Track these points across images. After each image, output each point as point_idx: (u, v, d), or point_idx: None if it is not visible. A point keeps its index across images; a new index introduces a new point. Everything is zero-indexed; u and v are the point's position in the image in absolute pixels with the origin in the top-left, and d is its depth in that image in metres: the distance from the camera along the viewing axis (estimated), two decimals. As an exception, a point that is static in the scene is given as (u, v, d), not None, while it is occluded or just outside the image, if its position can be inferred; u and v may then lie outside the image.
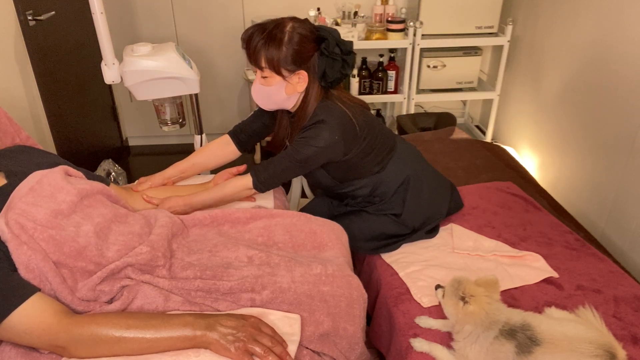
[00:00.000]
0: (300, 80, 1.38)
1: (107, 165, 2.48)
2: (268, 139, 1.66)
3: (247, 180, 1.46)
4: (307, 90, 1.41)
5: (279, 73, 1.36)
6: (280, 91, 1.40)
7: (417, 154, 1.65)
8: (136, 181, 1.64)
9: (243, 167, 1.65)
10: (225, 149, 1.66)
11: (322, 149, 1.38)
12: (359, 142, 1.45)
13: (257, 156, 3.18)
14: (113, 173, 2.48)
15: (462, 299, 1.11)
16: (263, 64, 1.35)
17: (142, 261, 1.12)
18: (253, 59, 1.36)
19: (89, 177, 1.34)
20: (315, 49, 1.36)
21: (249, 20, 3.01)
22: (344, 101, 1.44)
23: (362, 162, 1.49)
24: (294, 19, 1.36)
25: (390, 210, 1.57)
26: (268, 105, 1.47)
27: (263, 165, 1.45)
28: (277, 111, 1.54)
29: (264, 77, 1.38)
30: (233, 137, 1.65)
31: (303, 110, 1.43)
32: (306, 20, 1.39)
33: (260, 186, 1.46)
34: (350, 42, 1.40)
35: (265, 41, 1.32)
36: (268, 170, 1.44)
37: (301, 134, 1.41)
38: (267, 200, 1.63)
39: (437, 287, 1.23)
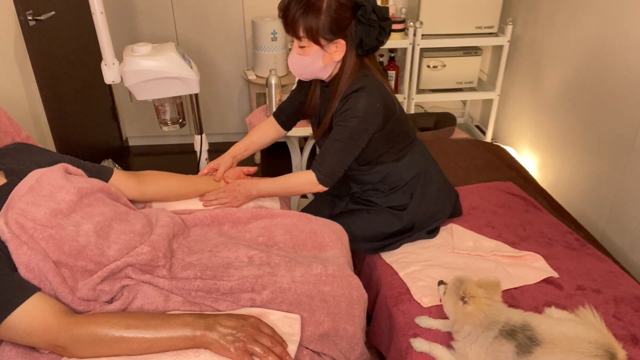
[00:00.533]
0: (337, 49, 1.37)
1: (107, 165, 2.48)
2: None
3: (311, 175, 1.45)
4: (343, 59, 1.40)
5: (317, 42, 1.34)
6: (317, 60, 1.39)
7: (429, 153, 1.66)
8: (205, 168, 1.69)
9: (254, 169, 1.68)
10: (275, 127, 1.73)
11: (365, 116, 1.37)
12: (393, 118, 1.44)
13: (257, 155, 3.19)
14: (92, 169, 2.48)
15: (462, 298, 1.12)
16: (301, 33, 1.34)
17: (143, 261, 1.12)
18: (291, 28, 1.35)
19: (92, 169, 1.34)
20: (353, 16, 1.34)
21: (249, 20, 3.01)
22: (381, 74, 1.44)
23: (390, 143, 1.49)
24: None
25: (397, 201, 1.57)
26: (304, 75, 1.47)
27: (319, 158, 1.44)
28: (312, 82, 1.54)
29: (302, 47, 1.37)
30: (276, 118, 1.72)
31: (337, 80, 1.42)
32: None
33: (326, 179, 1.44)
34: (387, 8, 1.39)
35: (303, 10, 1.31)
36: (325, 161, 1.43)
37: (342, 108, 1.39)
38: (273, 200, 1.63)
39: (440, 282, 1.23)
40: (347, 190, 1.68)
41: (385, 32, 1.38)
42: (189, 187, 1.55)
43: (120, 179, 1.40)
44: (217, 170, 1.65)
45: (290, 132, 1.76)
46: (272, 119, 1.73)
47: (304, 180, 1.47)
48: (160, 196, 1.50)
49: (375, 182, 1.57)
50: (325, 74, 1.45)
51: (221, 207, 1.50)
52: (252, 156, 3.19)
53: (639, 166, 1.91)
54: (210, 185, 1.58)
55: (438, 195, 1.62)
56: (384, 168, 1.54)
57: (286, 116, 1.70)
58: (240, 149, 1.71)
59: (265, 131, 1.74)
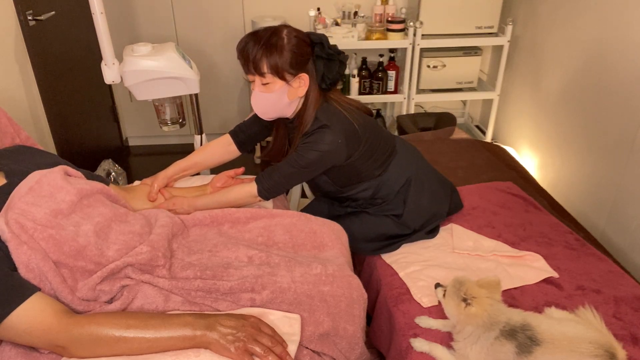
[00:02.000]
0: (301, 84, 1.38)
1: (107, 165, 2.48)
2: (269, 138, 1.66)
3: (252, 187, 1.46)
4: (307, 94, 1.41)
5: (282, 78, 1.35)
6: (283, 97, 1.39)
7: (418, 154, 1.65)
8: (138, 182, 1.64)
9: (241, 170, 1.65)
10: (225, 148, 1.67)
11: (325, 153, 1.38)
12: (361, 145, 1.45)
13: (257, 154, 3.19)
14: (113, 173, 2.47)
15: (464, 300, 1.11)
16: (265, 70, 1.34)
17: (142, 261, 1.12)
18: (253, 66, 1.35)
19: (89, 178, 1.34)
20: (311, 52, 1.37)
21: (249, 20, 3.01)
22: (343, 105, 1.45)
23: (364, 166, 1.50)
24: (286, 25, 1.38)
25: (392, 211, 1.57)
26: (268, 113, 1.46)
27: (267, 173, 1.45)
28: (274, 120, 1.53)
29: (265, 84, 1.37)
30: (233, 137, 1.66)
31: (303, 115, 1.43)
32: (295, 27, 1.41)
33: (265, 193, 1.46)
34: (335, 46, 1.42)
35: (265, 48, 1.32)
36: (273, 178, 1.44)
37: (304, 140, 1.41)
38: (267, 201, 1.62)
39: (437, 285, 1.23)
40: (342, 204, 1.68)
41: (344, 65, 1.41)
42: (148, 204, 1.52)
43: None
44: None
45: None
46: (226, 137, 1.66)
47: (243, 194, 1.48)
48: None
49: (368, 197, 1.58)
50: (290, 111, 1.45)
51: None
52: (253, 155, 3.20)
53: (639, 166, 1.91)
54: (144, 203, 1.52)
55: (432, 196, 1.61)
56: (370, 184, 1.55)
57: (246, 136, 1.65)
58: (179, 169, 1.63)
59: (213, 151, 1.66)
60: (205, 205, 1.49)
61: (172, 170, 1.62)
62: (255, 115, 1.63)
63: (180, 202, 1.49)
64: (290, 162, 1.42)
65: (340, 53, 1.41)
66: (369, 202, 1.60)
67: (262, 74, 1.36)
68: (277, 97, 1.39)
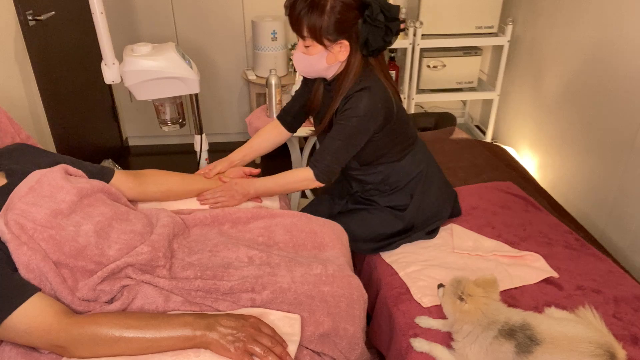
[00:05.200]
0: (342, 50, 1.36)
1: (107, 165, 2.48)
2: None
3: (308, 172, 1.45)
4: (348, 59, 1.39)
5: (320, 42, 1.34)
6: (322, 60, 1.38)
7: (430, 153, 1.66)
8: (203, 169, 1.68)
9: (257, 171, 1.68)
10: (276, 130, 1.71)
11: (364, 117, 1.36)
12: (392, 120, 1.44)
13: (258, 160, 3.19)
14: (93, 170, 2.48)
15: (460, 297, 1.12)
16: (305, 33, 1.34)
17: (143, 261, 1.12)
18: (295, 27, 1.35)
19: (93, 169, 1.34)
20: (359, 16, 1.33)
21: (249, 20, 3.02)
22: (385, 74, 1.44)
23: (391, 143, 1.49)
24: None
25: (397, 201, 1.57)
26: (309, 73, 1.47)
27: (318, 155, 1.44)
28: (316, 79, 1.54)
29: (307, 46, 1.37)
30: (281, 120, 1.70)
31: (341, 79, 1.41)
32: None
33: (323, 176, 1.44)
34: (397, 7, 1.38)
35: (307, 9, 1.30)
36: (324, 158, 1.42)
37: (343, 106, 1.39)
38: (273, 200, 1.63)
39: (440, 286, 1.23)
40: (348, 189, 1.69)
41: (392, 33, 1.37)
42: (187, 186, 1.55)
43: (121, 179, 1.40)
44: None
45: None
46: (275, 122, 1.71)
47: (301, 176, 1.47)
48: (159, 196, 1.50)
49: (377, 182, 1.57)
50: (329, 73, 1.44)
51: (219, 206, 1.50)
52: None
53: (639, 166, 1.91)
54: (208, 183, 1.58)
55: (438, 196, 1.62)
56: (384, 168, 1.54)
57: (292, 117, 1.68)
58: (239, 155, 1.70)
59: (266, 136, 1.72)
60: (264, 185, 1.52)
61: (233, 156, 1.69)
62: (295, 95, 1.66)
63: (240, 182, 1.52)
64: (334, 136, 1.40)
65: (394, 19, 1.36)
66: (376, 188, 1.59)
67: (302, 37, 1.36)
68: (316, 60, 1.38)
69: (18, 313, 0.93)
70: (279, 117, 1.70)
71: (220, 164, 1.65)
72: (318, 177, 1.45)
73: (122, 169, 2.53)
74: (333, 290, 1.18)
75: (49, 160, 1.27)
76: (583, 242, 1.60)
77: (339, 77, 1.42)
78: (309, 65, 1.42)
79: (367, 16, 1.32)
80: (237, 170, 1.65)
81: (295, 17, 1.33)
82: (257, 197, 1.60)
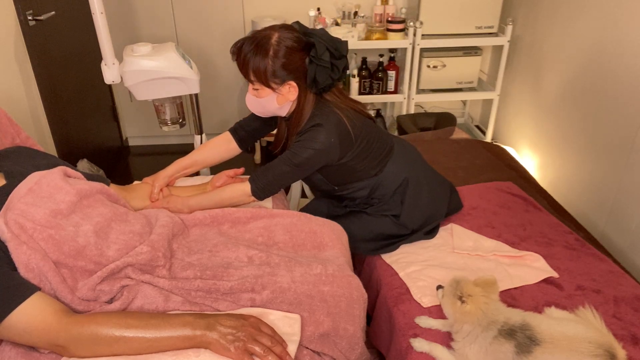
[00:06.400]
0: (291, 90, 1.38)
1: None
2: (269, 138, 1.66)
3: (246, 186, 1.45)
4: (299, 97, 1.40)
5: (268, 86, 1.36)
6: (272, 102, 1.40)
7: (416, 155, 1.65)
8: (138, 182, 1.63)
9: (241, 170, 1.65)
10: (226, 145, 1.66)
11: (318, 151, 1.38)
12: (354, 147, 1.45)
13: (257, 156, 3.18)
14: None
15: (460, 298, 1.12)
16: (252, 77, 1.35)
17: (143, 261, 1.12)
18: (243, 71, 1.36)
19: (89, 179, 1.34)
20: (304, 56, 1.35)
21: (249, 20, 3.01)
22: (339, 105, 1.44)
23: (359, 165, 1.49)
24: (281, 28, 1.34)
25: (389, 211, 1.57)
26: (263, 114, 1.49)
27: (261, 172, 1.44)
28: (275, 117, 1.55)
29: (255, 89, 1.39)
30: (233, 134, 1.66)
31: (298, 116, 1.43)
32: (293, 28, 1.37)
33: (260, 193, 1.45)
34: (343, 43, 1.38)
35: (252, 54, 1.32)
36: (267, 177, 1.43)
37: (298, 138, 1.41)
38: (265, 200, 1.62)
39: (439, 287, 1.23)
40: (340, 203, 1.68)
41: (339, 70, 1.37)
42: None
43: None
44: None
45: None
46: (226, 135, 1.66)
47: (237, 193, 1.46)
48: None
49: (364, 196, 1.58)
50: (283, 112, 1.46)
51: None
52: (252, 155, 3.19)
53: (639, 166, 1.91)
54: (144, 202, 1.52)
55: (430, 197, 1.61)
56: (366, 184, 1.55)
57: (246, 133, 1.64)
58: (179, 168, 1.62)
59: (214, 149, 1.66)
60: (198, 203, 1.47)
61: (172, 169, 1.61)
62: (253, 114, 1.63)
63: (174, 201, 1.48)
64: (283, 161, 1.41)
65: (340, 57, 1.36)
66: (365, 202, 1.60)
67: (250, 81, 1.37)
68: (267, 102, 1.40)
69: (18, 312, 0.93)
70: (232, 131, 1.66)
71: (158, 181, 1.56)
72: (255, 193, 1.44)
73: (122, 169, 2.53)
74: (333, 290, 1.18)
75: (48, 162, 1.28)
76: (583, 242, 1.60)
77: (295, 114, 1.43)
78: (261, 107, 1.43)
79: (312, 56, 1.33)
80: (220, 176, 1.61)
81: (241, 61, 1.34)
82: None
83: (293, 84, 1.36)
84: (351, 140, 1.43)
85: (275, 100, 1.40)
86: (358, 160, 1.48)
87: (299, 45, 1.33)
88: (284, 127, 1.55)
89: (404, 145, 1.63)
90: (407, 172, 1.57)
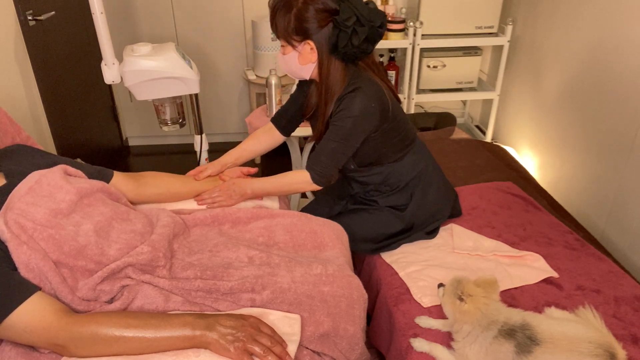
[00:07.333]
0: (311, 51, 1.38)
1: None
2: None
3: (305, 174, 1.45)
4: (322, 61, 1.39)
5: (289, 42, 1.37)
6: (294, 60, 1.41)
7: (429, 153, 1.66)
8: (193, 171, 1.66)
9: (254, 170, 1.67)
10: (270, 134, 1.70)
11: (359, 117, 1.36)
12: (389, 120, 1.44)
13: (257, 160, 3.19)
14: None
15: (460, 297, 1.12)
16: (277, 32, 1.38)
17: (143, 261, 1.12)
18: (272, 27, 1.38)
19: (92, 171, 1.34)
20: (329, 18, 1.33)
21: (249, 20, 3.01)
22: (379, 76, 1.44)
23: (385, 144, 1.48)
24: None
25: (397, 201, 1.57)
26: (289, 73, 1.49)
27: (314, 157, 1.44)
28: (310, 84, 1.55)
29: (282, 46, 1.41)
30: (275, 123, 1.69)
31: (325, 81, 1.41)
32: None
33: (320, 179, 1.44)
34: (379, 13, 1.34)
35: (279, 9, 1.34)
36: (320, 160, 1.42)
37: (337, 107, 1.39)
38: (272, 200, 1.63)
39: (440, 285, 1.23)
40: (348, 190, 1.69)
41: (359, 37, 1.31)
42: (186, 188, 1.55)
43: (120, 181, 1.40)
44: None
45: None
46: (269, 125, 1.71)
47: (298, 179, 1.48)
48: (157, 198, 1.50)
49: (377, 183, 1.57)
50: (306, 74, 1.45)
51: (216, 206, 1.50)
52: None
53: (639, 166, 1.91)
54: (206, 184, 1.58)
55: (438, 195, 1.62)
56: (384, 169, 1.54)
57: (286, 120, 1.68)
58: (231, 158, 1.68)
59: (260, 139, 1.71)
60: (261, 186, 1.52)
61: (226, 158, 1.67)
62: (291, 98, 1.66)
63: (239, 183, 1.52)
64: (330, 138, 1.41)
65: (365, 24, 1.30)
66: (377, 189, 1.59)
67: (277, 36, 1.39)
68: (290, 60, 1.41)
69: (18, 312, 0.93)
70: (273, 120, 1.69)
71: (212, 167, 1.64)
72: (315, 180, 1.44)
73: (122, 169, 2.53)
74: (333, 290, 1.18)
75: (48, 161, 1.27)
76: (583, 242, 1.60)
77: (323, 79, 1.42)
78: (285, 65, 1.45)
79: (335, 19, 1.32)
80: (234, 170, 1.65)
81: (271, 17, 1.37)
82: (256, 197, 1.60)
83: (312, 44, 1.36)
84: (388, 111, 1.42)
85: (297, 59, 1.40)
86: (386, 138, 1.47)
87: (325, 7, 1.32)
88: (316, 92, 1.53)
89: (422, 142, 1.65)
90: (423, 166, 1.58)
